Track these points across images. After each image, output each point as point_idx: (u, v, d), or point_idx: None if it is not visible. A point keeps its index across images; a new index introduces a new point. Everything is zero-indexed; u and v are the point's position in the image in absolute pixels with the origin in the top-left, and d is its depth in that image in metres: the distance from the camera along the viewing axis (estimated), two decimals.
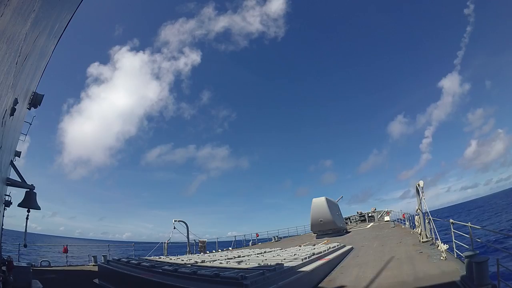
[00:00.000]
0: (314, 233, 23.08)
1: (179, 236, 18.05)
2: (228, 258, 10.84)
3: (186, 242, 18.74)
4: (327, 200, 21.32)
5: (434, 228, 10.90)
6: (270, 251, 13.25)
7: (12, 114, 5.30)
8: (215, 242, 21.96)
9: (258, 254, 12.25)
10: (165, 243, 17.07)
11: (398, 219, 25.01)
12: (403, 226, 20.60)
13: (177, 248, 20.18)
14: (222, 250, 20.03)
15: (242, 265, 8.11)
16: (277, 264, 7.58)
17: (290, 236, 28.15)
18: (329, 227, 21.40)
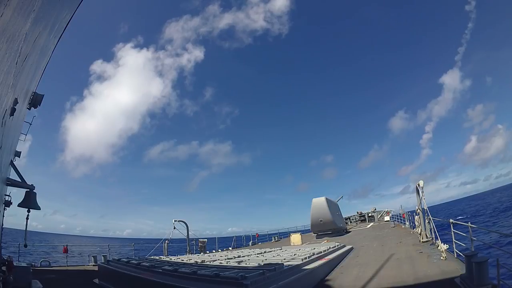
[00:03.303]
0: (314, 233, 23.09)
1: (179, 233, 18.12)
2: (228, 258, 10.83)
3: (186, 239, 18.75)
4: (327, 200, 21.32)
5: (434, 228, 10.90)
6: (270, 251, 13.25)
7: (12, 114, 5.29)
8: (215, 239, 21.98)
9: (258, 254, 12.24)
10: (165, 242, 17.06)
11: (397, 214, 25.01)
12: (403, 226, 20.61)
13: (177, 246, 20.17)
14: (222, 250, 20.04)
15: (242, 265, 8.12)
16: (277, 264, 7.58)
17: (290, 236, 28.13)
18: (329, 227, 21.40)
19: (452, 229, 8.60)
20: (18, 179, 8.07)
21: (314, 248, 12.34)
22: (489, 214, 38.46)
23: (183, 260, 10.95)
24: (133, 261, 9.76)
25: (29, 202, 8.20)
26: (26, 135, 10.79)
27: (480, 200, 79.60)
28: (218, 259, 10.45)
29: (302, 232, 28.58)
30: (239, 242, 24.72)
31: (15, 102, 5.24)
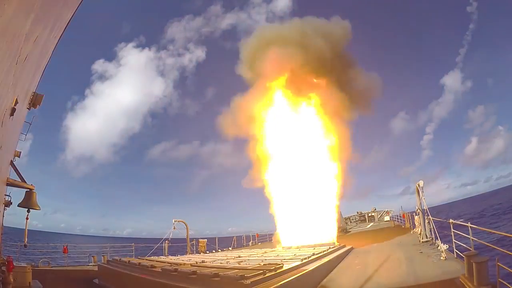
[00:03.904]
0: None
1: (179, 232, 18.15)
2: (228, 258, 10.84)
3: (185, 239, 18.78)
4: None
5: (434, 228, 10.90)
6: (270, 251, 13.26)
7: (12, 114, 5.30)
8: (215, 239, 21.98)
9: (258, 254, 12.25)
10: (165, 242, 17.07)
11: (397, 215, 25.02)
12: (403, 226, 20.62)
13: (177, 246, 20.18)
14: (222, 250, 20.03)
15: (242, 265, 8.12)
16: (277, 264, 7.58)
17: None
18: None
19: (452, 229, 8.60)
20: (18, 179, 8.08)
21: (314, 248, 12.34)
22: (490, 215, 38.49)
23: (183, 260, 10.95)
24: (133, 261, 9.76)
25: (29, 202, 8.22)
26: (26, 135, 10.79)
27: (480, 201, 79.70)
28: (218, 259, 10.46)
29: None
30: (239, 242, 24.71)
31: (15, 102, 5.25)
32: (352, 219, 33.74)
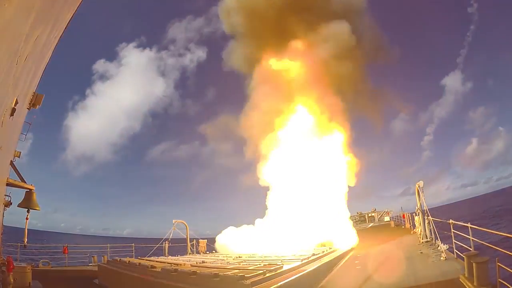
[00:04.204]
0: None
1: (180, 233, 18.14)
2: (228, 259, 10.83)
3: (185, 239, 18.76)
4: None
5: (434, 228, 10.89)
6: (270, 252, 13.23)
7: (12, 114, 5.31)
8: (215, 239, 21.96)
9: (258, 254, 12.24)
10: (165, 243, 17.06)
11: (397, 215, 25.01)
12: (403, 226, 20.61)
13: (177, 246, 20.18)
14: None
15: (242, 266, 8.11)
16: (277, 264, 7.58)
17: None
18: None
19: (452, 230, 8.59)
20: (18, 179, 8.09)
21: (314, 249, 12.34)
22: (491, 216, 38.48)
23: (183, 260, 10.94)
24: (133, 262, 9.76)
25: (29, 202, 8.24)
26: (26, 135, 10.79)
27: (481, 202, 79.67)
28: (218, 260, 10.45)
29: None
30: None
31: (15, 102, 5.26)
32: (352, 219, 33.72)
